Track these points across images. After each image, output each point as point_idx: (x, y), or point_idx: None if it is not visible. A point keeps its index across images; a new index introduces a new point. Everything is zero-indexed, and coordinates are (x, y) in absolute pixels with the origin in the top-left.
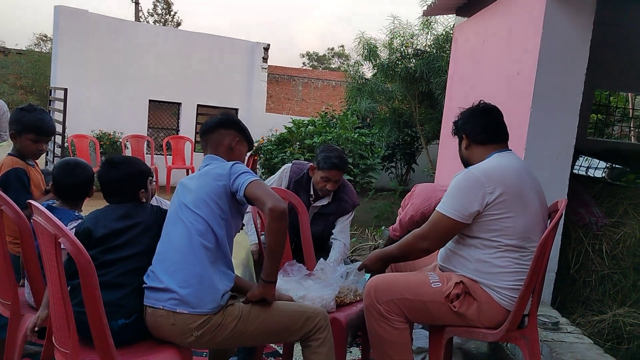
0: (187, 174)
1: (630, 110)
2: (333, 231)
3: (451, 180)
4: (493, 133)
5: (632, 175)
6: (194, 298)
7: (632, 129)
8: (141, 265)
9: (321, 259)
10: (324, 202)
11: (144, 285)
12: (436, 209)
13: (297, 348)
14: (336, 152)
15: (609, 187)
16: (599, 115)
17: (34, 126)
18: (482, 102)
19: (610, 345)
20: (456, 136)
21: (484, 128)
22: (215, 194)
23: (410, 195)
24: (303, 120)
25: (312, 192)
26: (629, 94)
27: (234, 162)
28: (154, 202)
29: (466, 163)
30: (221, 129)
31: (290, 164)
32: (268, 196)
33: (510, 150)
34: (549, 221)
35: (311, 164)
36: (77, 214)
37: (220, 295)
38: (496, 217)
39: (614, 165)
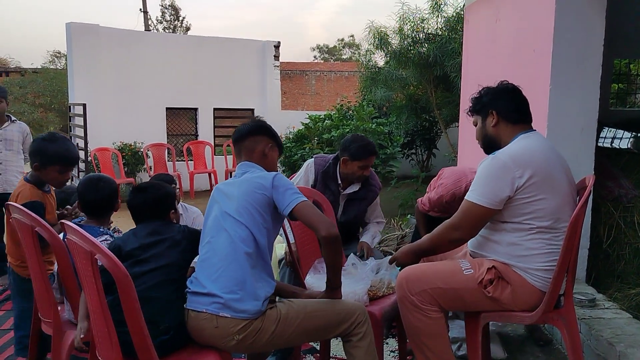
0: (210, 178)
1: None
2: (367, 219)
3: (477, 168)
4: (524, 113)
5: None
6: (236, 303)
7: None
8: (168, 277)
9: (351, 254)
10: (355, 188)
11: (187, 290)
12: (465, 198)
13: (334, 342)
14: (365, 139)
15: (636, 158)
16: (619, 84)
17: (60, 157)
18: (506, 81)
19: None
20: (475, 114)
21: (517, 106)
22: (258, 203)
23: (437, 178)
24: (319, 115)
25: (339, 181)
26: None
27: (274, 173)
28: (179, 208)
29: (490, 141)
30: (253, 135)
31: (312, 159)
32: (320, 222)
33: (535, 130)
34: (577, 198)
35: (333, 156)
36: (102, 229)
37: (261, 301)
38: (527, 200)
39: (639, 134)
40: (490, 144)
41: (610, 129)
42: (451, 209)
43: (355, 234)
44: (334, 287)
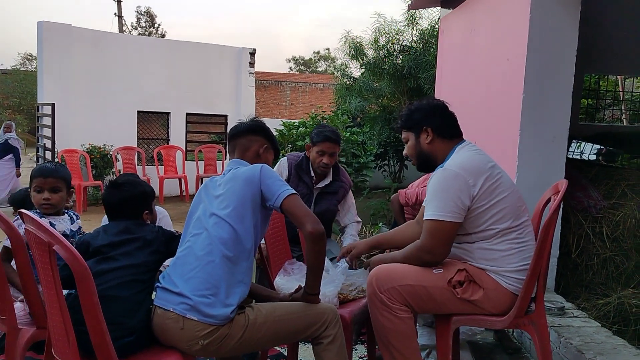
0: (180, 183)
1: (621, 93)
2: (342, 218)
3: (429, 184)
4: (457, 128)
5: (627, 155)
6: (206, 307)
7: (623, 111)
8: (136, 278)
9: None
10: (327, 181)
11: (157, 284)
12: (426, 217)
13: (302, 348)
14: (328, 127)
15: (605, 170)
16: (589, 100)
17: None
18: (432, 97)
19: (617, 328)
20: (406, 130)
21: (451, 123)
22: (246, 199)
23: (424, 180)
24: (294, 123)
25: (313, 174)
26: (619, 77)
27: (261, 165)
28: None
29: (425, 157)
30: (250, 134)
31: (284, 157)
32: (307, 216)
33: (466, 140)
34: (549, 204)
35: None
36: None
37: (231, 309)
38: (485, 207)
39: (608, 147)
40: (424, 161)
41: (579, 142)
42: None
43: (328, 228)
44: (312, 292)
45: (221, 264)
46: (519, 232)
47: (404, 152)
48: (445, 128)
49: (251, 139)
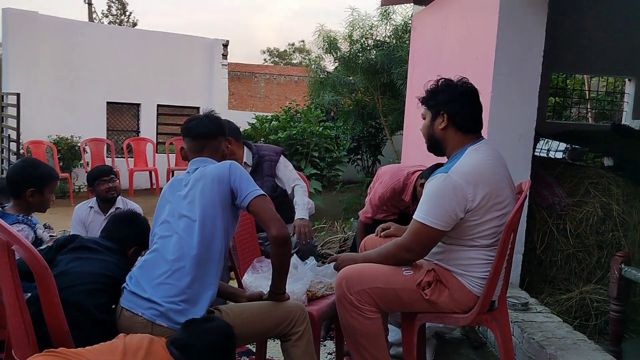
0: (150, 176)
1: (587, 92)
2: (288, 188)
3: (428, 186)
4: (477, 122)
5: (591, 154)
6: (176, 314)
7: (589, 110)
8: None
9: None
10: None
11: (124, 286)
12: (416, 218)
13: (271, 344)
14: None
15: (570, 168)
16: (556, 98)
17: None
18: (465, 79)
19: (578, 323)
20: (426, 107)
21: (472, 114)
22: (216, 200)
23: (376, 178)
24: (267, 116)
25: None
26: (585, 76)
27: (229, 162)
28: (119, 202)
29: (435, 142)
30: (221, 136)
31: None
32: (272, 220)
33: (483, 138)
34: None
35: None
36: (20, 217)
37: (202, 313)
38: (475, 222)
39: (573, 145)
40: (434, 145)
41: (546, 140)
42: (393, 206)
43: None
44: (278, 292)
45: (191, 270)
46: (497, 246)
47: (420, 128)
48: (464, 120)
49: (221, 140)
